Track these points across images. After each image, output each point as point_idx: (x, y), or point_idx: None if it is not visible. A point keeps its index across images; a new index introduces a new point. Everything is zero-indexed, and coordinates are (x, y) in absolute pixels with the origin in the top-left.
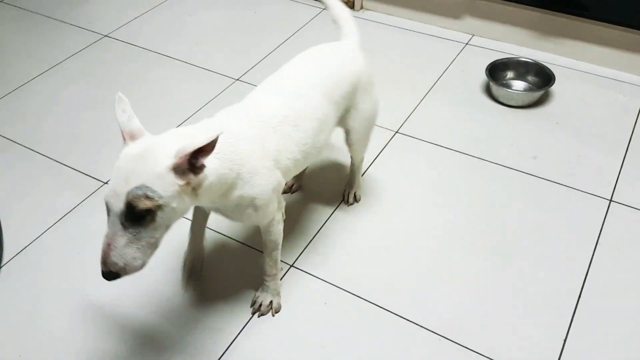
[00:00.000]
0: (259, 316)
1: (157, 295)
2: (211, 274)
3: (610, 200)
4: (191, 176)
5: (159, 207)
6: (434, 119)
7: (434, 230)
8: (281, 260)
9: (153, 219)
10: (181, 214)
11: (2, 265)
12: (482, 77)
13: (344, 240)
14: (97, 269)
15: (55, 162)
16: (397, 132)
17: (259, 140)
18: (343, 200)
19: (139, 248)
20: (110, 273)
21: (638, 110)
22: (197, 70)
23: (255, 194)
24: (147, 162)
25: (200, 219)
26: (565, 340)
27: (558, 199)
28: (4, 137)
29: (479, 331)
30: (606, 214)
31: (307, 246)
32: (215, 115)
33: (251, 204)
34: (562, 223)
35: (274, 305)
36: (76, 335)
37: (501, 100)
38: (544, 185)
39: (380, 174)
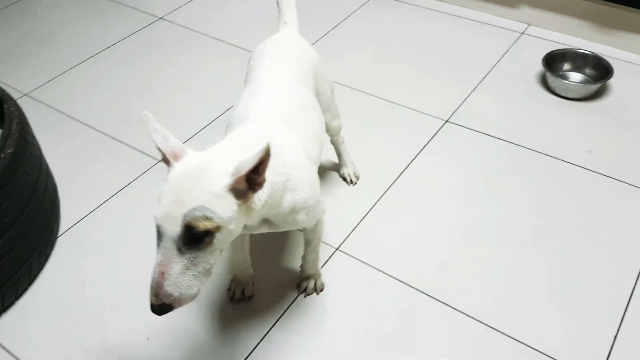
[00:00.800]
0: (305, 296)
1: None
2: (253, 255)
3: None
4: (249, 194)
5: (218, 228)
6: (487, 108)
7: (483, 220)
8: (326, 243)
9: (211, 241)
10: (234, 236)
11: (58, 236)
12: (538, 67)
13: (389, 226)
14: (148, 243)
15: (111, 138)
16: (447, 121)
17: (289, 137)
18: (346, 182)
19: (195, 275)
20: (162, 306)
21: None
22: (248, 55)
23: (306, 192)
24: (203, 181)
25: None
26: (615, 337)
27: (612, 194)
28: (62, 112)
29: (526, 322)
30: None
31: (353, 230)
32: (231, 132)
33: (304, 207)
34: (616, 218)
35: (318, 284)
36: (126, 306)
37: (557, 91)
38: (598, 180)
39: (429, 161)
